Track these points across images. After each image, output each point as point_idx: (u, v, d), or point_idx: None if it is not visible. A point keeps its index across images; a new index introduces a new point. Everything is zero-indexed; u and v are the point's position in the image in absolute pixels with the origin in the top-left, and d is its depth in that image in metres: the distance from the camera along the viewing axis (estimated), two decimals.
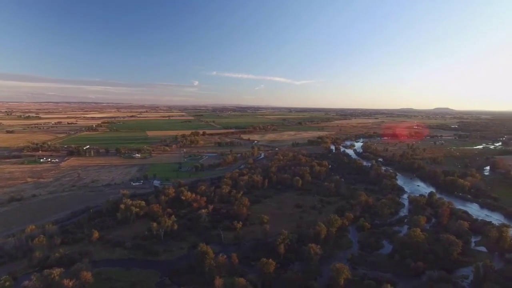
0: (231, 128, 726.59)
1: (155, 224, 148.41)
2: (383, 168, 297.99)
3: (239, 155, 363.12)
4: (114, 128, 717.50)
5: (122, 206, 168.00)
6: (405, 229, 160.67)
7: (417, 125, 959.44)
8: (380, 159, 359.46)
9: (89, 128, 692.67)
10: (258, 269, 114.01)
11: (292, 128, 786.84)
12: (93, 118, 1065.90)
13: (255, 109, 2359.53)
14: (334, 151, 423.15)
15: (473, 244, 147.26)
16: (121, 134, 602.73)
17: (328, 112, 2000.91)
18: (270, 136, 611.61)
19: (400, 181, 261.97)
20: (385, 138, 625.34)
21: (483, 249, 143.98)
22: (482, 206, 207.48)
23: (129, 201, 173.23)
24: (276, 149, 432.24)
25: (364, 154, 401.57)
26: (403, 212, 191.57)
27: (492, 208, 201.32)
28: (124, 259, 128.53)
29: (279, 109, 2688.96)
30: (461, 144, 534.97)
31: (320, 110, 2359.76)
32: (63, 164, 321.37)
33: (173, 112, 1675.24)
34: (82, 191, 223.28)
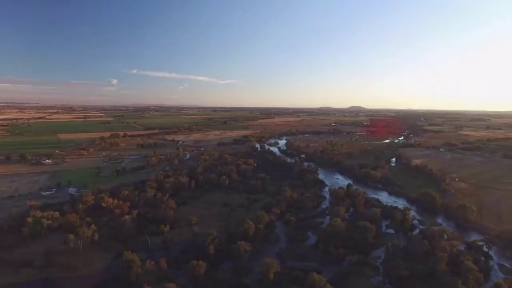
0: (154, 129, 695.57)
1: (71, 236, 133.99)
2: (306, 164, 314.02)
3: (163, 156, 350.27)
4: (17, 131, 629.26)
5: (29, 219, 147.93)
6: (327, 219, 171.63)
7: (334, 122, 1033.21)
8: (303, 156, 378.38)
9: None
10: (188, 272, 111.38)
11: (217, 128, 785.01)
12: None
13: (179, 109, 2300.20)
14: (259, 149, 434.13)
15: (384, 228, 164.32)
16: (26, 138, 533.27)
17: (253, 111, 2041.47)
18: (195, 136, 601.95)
19: (321, 175, 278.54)
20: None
21: (391, 231, 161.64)
22: (390, 193, 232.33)
23: (38, 213, 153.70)
24: (202, 149, 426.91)
25: (287, 151, 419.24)
26: (325, 204, 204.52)
27: (398, 195, 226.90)
28: (34, 280, 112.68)
29: (204, 108, 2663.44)
30: (372, 139, 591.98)
31: (244, 109, 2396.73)
32: None
33: (90, 113, 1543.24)
34: None
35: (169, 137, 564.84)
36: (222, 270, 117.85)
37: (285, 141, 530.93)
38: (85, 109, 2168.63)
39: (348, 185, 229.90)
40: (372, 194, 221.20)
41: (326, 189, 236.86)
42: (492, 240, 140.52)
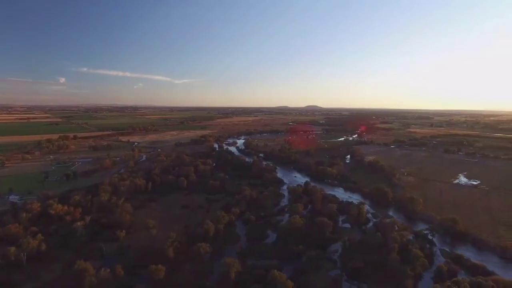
0: (107, 130, 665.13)
1: (13, 249, 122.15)
2: (264, 162, 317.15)
3: (118, 158, 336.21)
4: None
5: None
6: (286, 217, 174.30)
7: (291, 121, 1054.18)
8: (261, 155, 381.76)
9: None
10: (147, 277, 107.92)
11: (174, 128, 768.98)
12: None
13: (134, 109, 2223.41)
14: (217, 149, 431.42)
15: (340, 223, 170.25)
16: None
17: (210, 111, 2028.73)
18: (152, 136, 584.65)
19: (279, 174, 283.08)
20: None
21: (347, 225, 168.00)
22: (346, 189, 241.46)
23: None
24: (159, 150, 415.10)
25: (246, 150, 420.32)
26: (284, 202, 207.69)
27: (353, 190, 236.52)
28: None
29: (160, 108, 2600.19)
30: (328, 137, 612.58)
31: (202, 109, 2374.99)
32: None
33: (34, 114, 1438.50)
34: None
35: (124, 138, 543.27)
36: (182, 272, 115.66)
37: (243, 141, 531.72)
38: (28, 109, 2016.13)
39: (306, 183, 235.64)
40: (328, 191, 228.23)
41: (285, 187, 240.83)
42: (435, 228, 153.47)
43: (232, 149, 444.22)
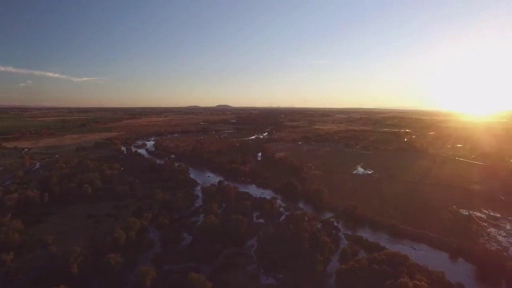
0: None
1: None
2: (176, 164, 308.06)
3: (2, 168, 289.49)
4: None
5: None
6: (201, 217, 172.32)
7: (203, 121, 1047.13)
8: (173, 156, 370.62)
9: None
10: None
11: (74, 131, 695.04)
12: None
13: (22, 110, 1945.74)
14: (125, 152, 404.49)
15: (255, 218, 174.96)
16: None
17: (116, 111, 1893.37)
18: (47, 141, 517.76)
19: (192, 175, 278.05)
20: None
21: (262, 220, 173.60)
22: (258, 186, 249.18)
23: None
24: (56, 156, 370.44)
25: (156, 152, 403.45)
26: (198, 202, 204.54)
27: (265, 186, 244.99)
28: None
29: (56, 109, 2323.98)
30: (240, 136, 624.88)
31: (107, 110, 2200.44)
32: None
33: None
34: None
35: (9, 145, 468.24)
36: None
37: (153, 142, 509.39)
38: None
39: (219, 182, 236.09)
40: (242, 188, 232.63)
41: (198, 187, 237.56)
42: (340, 215, 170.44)
43: (142, 151, 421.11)
